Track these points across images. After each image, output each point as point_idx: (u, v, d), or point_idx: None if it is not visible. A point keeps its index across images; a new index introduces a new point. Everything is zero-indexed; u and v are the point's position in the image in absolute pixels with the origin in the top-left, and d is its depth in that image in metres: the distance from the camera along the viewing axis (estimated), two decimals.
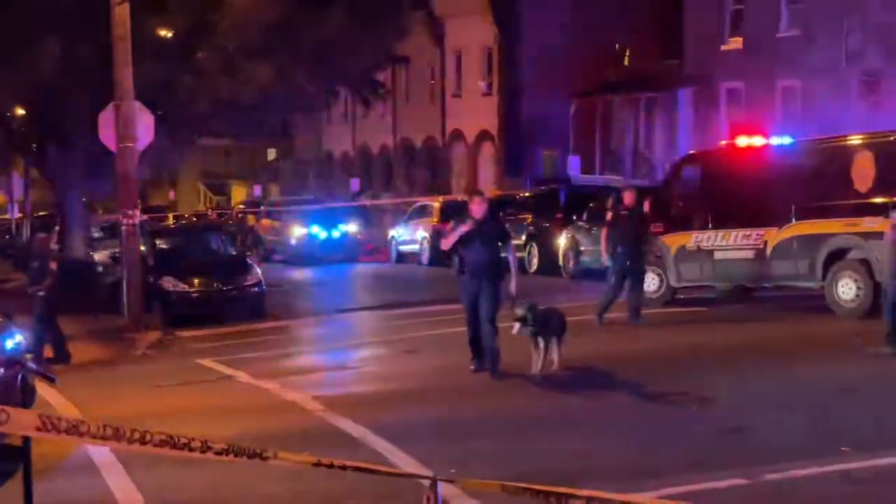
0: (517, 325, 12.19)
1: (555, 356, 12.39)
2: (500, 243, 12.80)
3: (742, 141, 17.63)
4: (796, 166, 16.74)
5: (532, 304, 12.33)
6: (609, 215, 16.86)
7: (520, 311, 12.17)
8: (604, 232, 16.61)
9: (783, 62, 30.20)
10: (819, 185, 16.10)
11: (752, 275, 17.01)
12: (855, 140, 16.74)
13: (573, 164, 37.18)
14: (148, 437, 3.62)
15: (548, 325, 12.34)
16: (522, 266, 26.52)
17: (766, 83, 31.23)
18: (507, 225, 14.92)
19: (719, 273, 17.38)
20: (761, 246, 16.59)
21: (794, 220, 16.21)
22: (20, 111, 28.88)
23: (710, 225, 17.27)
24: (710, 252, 17.34)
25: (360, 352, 16.81)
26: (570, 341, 12.72)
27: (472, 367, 12.73)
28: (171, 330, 20.11)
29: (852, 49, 28.67)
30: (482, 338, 12.56)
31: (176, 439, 3.70)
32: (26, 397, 8.96)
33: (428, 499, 4.00)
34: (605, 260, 16.40)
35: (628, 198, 16.47)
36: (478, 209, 12.71)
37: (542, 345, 12.24)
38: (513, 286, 12.51)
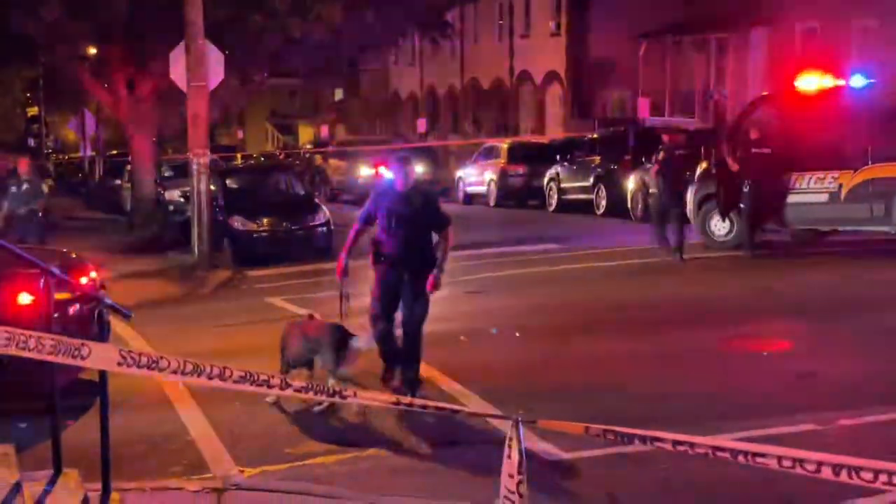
0: None
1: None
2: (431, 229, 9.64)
3: (815, 82, 17.27)
4: (872, 108, 16.39)
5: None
6: None
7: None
8: None
9: (862, 0, 29.43)
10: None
11: (826, 218, 16.75)
12: None
13: (642, 106, 36.75)
14: (227, 373, 3.65)
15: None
16: (590, 208, 26.45)
17: (843, 22, 30.49)
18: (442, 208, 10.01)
19: (792, 216, 17.13)
20: (835, 189, 16.31)
21: (869, 163, 15.92)
22: (92, 50, 29.14)
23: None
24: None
25: None
26: (638, 283, 12.51)
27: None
28: (241, 269, 20.31)
29: None
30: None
31: (256, 376, 3.73)
32: (102, 332, 9.11)
33: (510, 439, 4.02)
34: None
35: None
36: (400, 180, 9.49)
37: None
38: (430, 281, 9.60)
